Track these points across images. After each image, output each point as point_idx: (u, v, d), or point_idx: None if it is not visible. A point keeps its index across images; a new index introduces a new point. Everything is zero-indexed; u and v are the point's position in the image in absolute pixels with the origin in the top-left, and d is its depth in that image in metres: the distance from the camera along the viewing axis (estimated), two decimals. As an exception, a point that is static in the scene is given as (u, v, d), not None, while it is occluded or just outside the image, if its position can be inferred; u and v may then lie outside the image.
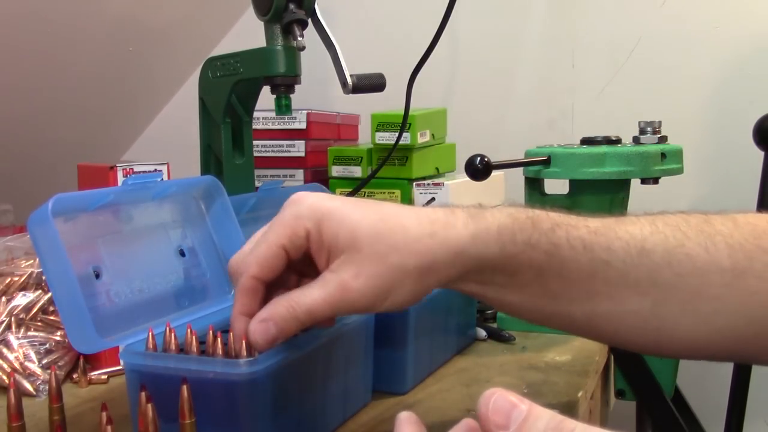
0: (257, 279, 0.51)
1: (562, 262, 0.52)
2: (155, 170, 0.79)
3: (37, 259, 0.79)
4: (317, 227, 0.51)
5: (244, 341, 0.51)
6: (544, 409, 0.32)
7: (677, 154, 0.89)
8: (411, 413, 0.36)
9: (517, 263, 0.52)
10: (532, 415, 0.31)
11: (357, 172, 1.16)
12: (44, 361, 0.72)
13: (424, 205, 1.08)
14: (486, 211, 0.53)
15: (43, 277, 0.78)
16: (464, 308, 0.83)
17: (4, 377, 0.70)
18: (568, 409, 0.65)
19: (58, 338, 0.74)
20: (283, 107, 0.89)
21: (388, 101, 1.06)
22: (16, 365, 0.71)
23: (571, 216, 0.54)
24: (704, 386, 1.11)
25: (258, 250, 0.51)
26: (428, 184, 1.07)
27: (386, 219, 0.51)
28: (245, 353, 0.52)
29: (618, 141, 0.89)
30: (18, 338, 0.73)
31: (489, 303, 0.57)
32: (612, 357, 0.88)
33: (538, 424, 0.31)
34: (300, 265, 0.53)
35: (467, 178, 0.87)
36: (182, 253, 0.70)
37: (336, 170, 1.17)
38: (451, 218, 0.52)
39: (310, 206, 0.51)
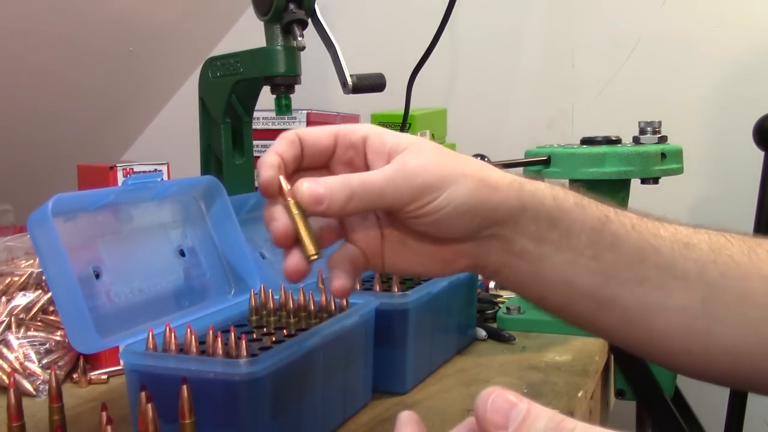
0: (299, 135, 0.50)
1: (614, 234, 0.51)
2: (155, 170, 0.79)
3: (37, 259, 0.79)
4: (379, 133, 0.51)
5: (267, 185, 0.47)
6: (543, 408, 0.31)
7: (677, 154, 0.89)
8: (412, 413, 0.36)
9: (571, 220, 0.51)
10: (531, 415, 0.30)
11: (357, 172, 1.15)
12: (44, 361, 0.72)
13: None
14: (532, 182, 0.52)
15: (43, 277, 0.78)
16: (464, 308, 0.83)
17: (4, 377, 0.70)
18: (568, 409, 0.65)
19: (58, 338, 0.74)
20: (283, 107, 0.89)
21: (388, 101, 1.06)
22: (16, 365, 0.71)
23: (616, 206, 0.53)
24: (704, 386, 1.11)
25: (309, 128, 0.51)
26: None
27: (446, 152, 0.51)
28: (245, 353, 0.52)
29: (618, 141, 0.89)
30: (18, 338, 0.73)
31: (544, 280, 0.52)
32: (612, 357, 0.88)
33: (538, 424, 0.30)
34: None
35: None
36: (182, 253, 0.70)
37: (336, 170, 1.17)
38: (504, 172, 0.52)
39: (369, 126, 0.52)
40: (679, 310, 0.51)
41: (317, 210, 0.47)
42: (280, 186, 0.47)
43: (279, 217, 0.48)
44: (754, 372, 0.53)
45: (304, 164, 0.51)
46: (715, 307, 0.51)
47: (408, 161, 0.48)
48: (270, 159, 0.48)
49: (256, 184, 0.96)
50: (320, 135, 0.51)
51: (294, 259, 0.47)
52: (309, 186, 0.46)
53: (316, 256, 0.47)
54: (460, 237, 0.51)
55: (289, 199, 0.47)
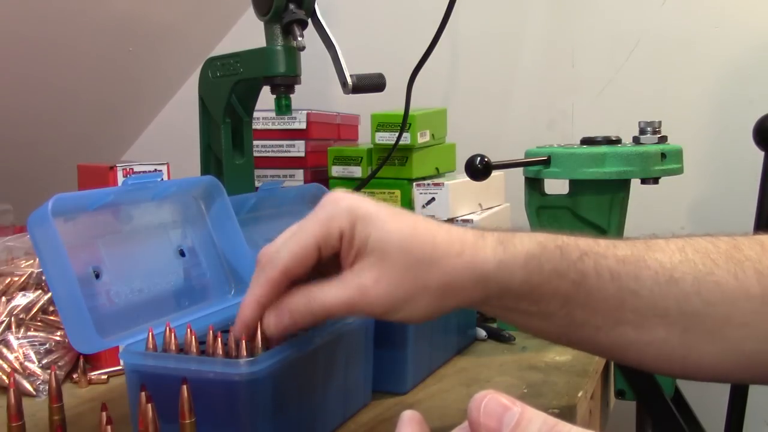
0: (286, 274, 0.52)
1: (588, 292, 0.52)
2: (155, 170, 0.79)
3: (37, 259, 0.79)
4: (351, 228, 0.51)
5: (243, 329, 0.53)
6: (537, 412, 0.31)
7: (677, 154, 0.89)
8: (414, 412, 0.36)
9: (541, 292, 0.52)
10: (525, 418, 0.30)
11: (357, 172, 1.15)
12: (44, 361, 0.72)
13: (424, 206, 1.09)
14: (515, 237, 0.53)
15: (43, 277, 0.78)
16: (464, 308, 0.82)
17: (4, 377, 0.70)
18: (568, 409, 0.65)
19: (58, 338, 0.74)
20: (283, 107, 0.89)
21: (388, 101, 1.06)
22: (16, 365, 0.71)
23: (600, 242, 0.53)
24: (704, 386, 1.11)
25: (292, 246, 0.52)
26: (428, 184, 1.07)
27: (418, 232, 0.51)
28: (245, 353, 0.52)
29: (618, 141, 0.89)
30: (18, 338, 0.73)
31: (514, 326, 0.57)
32: (612, 357, 0.88)
33: (531, 427, 0.30)
34: (324, 263, 0.54)
35: (467, 178, 0.87)
36: (182, 253, 0.70)
37: (336, 170, 1.17)
38: (480, 242, 0.52)
39: (347, 207, 0.52)
40: (655, 343, 0.52)
41: (285, 333, 0.53)
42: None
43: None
44: (739, 381, 0.55)
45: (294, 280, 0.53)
46: (695, 335, 0.52)
47: (366, 286, 0.50)
48: (247, 316, 0.53)
49: (257, 184, 0.96)
50: (305, 258, 0.52)
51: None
52: (274, 317, 0.52)
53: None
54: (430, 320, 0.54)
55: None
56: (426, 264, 0.50)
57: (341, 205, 0.52)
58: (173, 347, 0.55)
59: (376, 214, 0.52)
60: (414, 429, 0.35)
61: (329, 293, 0.51)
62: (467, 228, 0.55)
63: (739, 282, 0.51)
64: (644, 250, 0.53)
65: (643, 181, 0.87)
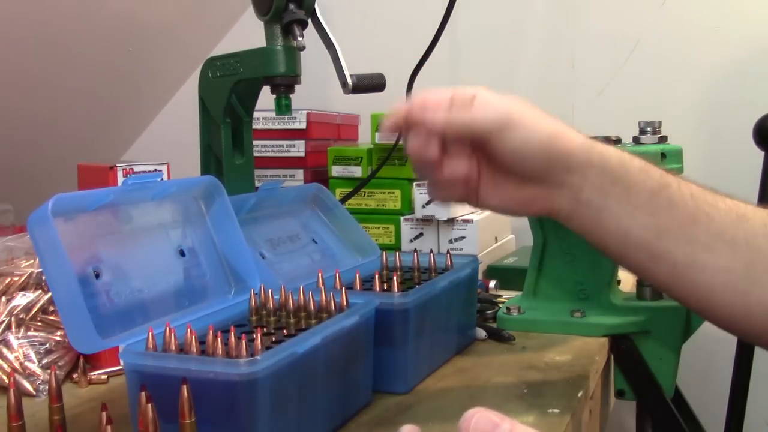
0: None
1: (671, 197, 0.59)
2: (155, 170, 0.79)
3: (37, 259, 0.79)
4: (483, 97, 0.65)
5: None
6: (526, 428, 0.31)
7: (677, 154, 0.89)
8: (414, 427, 0.35)
9: (633, 180, 0.59)
10: None
11: (357, 172, 1.16)
12: (44, 361, 0.72)
13: (424, 206, 1.08)
14: None
15: (43, 277, 0.78)
16: (464, 308, 0.83)
17: (4, 377, 0.70)
18: (569, 409, 0.65)
19: (58, 338, 0.74)
20: (283, 107, 0.89)
21: (388, 101, 1.06)
22: (16, 365, 0.71)
23: (684, 177, 0.61)
24: (704, 386, 1.12)
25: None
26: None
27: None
28: (245, 353, 0.52)
29: (618, 141, 0.89)
30: (18, 338, 0.73)
31: (603, 228, 0.61)
32: (612, 357, 0.88)
33: None
34: None
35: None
36: (182, 253, 0.70)
37: (336, 170, 1.17)
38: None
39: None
40: (722, 270, 0.58)
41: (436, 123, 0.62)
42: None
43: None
44: None
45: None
46: (757, 272, 0.57)
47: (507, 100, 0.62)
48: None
49: (257, 184, 0.96)
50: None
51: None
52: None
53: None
54: (537, 175, 0.61)
55: None
56: (543, 116, 0.61)
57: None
58: (173, 347, 0.55)
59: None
60: None
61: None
62: None
63: None
64: (722, 193, 0.61)
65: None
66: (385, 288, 0.74)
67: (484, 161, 0.63)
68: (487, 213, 1.12)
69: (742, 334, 0.62)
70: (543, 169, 0.60)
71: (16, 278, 0.79)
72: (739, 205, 0.59)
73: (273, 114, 1.13)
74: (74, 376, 0.73)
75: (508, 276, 1.07)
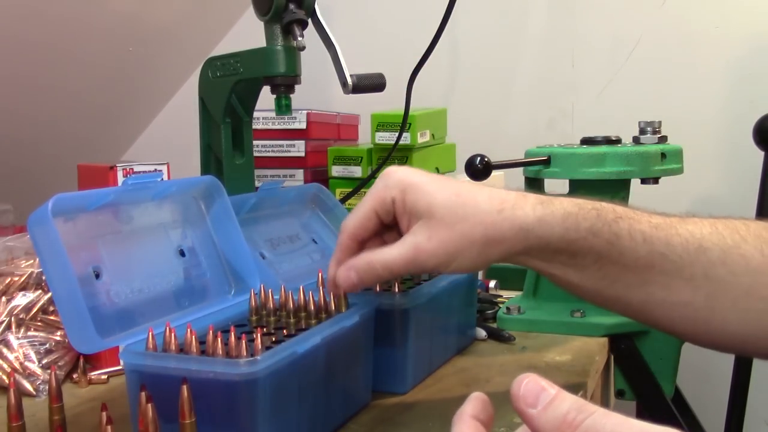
0: (352, 237, 0.62)
1: (621, 251, 0.57)
2: (155, 170, 0.79)
3: (37, 259, 0.79)
4: (402, 196, 0.60)
5: (329, 284, 0.63)
6: (569, 394, 0.34)
7: (677, 154, 0.89)
8: (482, 394, 0.38)
9: (577, 247, 0.58)
10: (558, 398, 0.34)
11: (357, 172, 1.16)
12: (44, 361, 0.72)
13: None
14: (555, 199, 0.59)
15: (43, 277, 0.78)
16: (464, 308, 0.83)
17: (4, 377, 0.70)
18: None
19: (58, 338, 0.74)
20: (283, 107, 0.89)
21: (388, 101, 1.06)
22: (16, 365, 0.71)
23: (636, 210, 0.59)
24: (704, 386, 1.12)
25: (354, 214, 0.62)
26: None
27: (461, 194, 0.59)
28: (245, 353, 0.52)
29: (618, 141, 0.89)
30: (18, 338, 0.73)
31: (552, 280, 0.62)
32: (612, 357, 0.88)
33: (563, 405, 0.34)
34: (386, 234, 0.64)
35: (467, 178, 0.86)
36: (182, 253, 0.70)
37: (336, 170, 1.17)
38: (521, 201, 0.58)
39: (398, 179, 0.61)
40: (680, 305, 0.57)
41: (356, 290, 0.63)
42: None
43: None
44: (759, 351, 0.58)
45: (365, 243, 0.63)
46: (719, 302, 0.56)
47: (420, 244, 0.58)
48: (330, 274, 0.63)
49: (257, 184, 0.96)
50: (367, 222, 0.62)
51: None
52: (344, 278, 0.61)
53: None
54: (479, 270, 0.65)
55: None
56: (470, 221, 0.57)
57: (393, 177, 0.61)
58: (173, 347, 0.55)
59: (422, 182, 0.60)
60: (475, 406, 0.37)
61: (389, 252, 0.59)
62: (509, 190, 0.61)
63: (764, 258, 0.55)
64: (677, 221, 0.58)
65: (643, 181, 0.87)
66: (385, 288, 0.74)
67: None
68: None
69: (709, 348, 0.62)
70: (481, 268, 0.63)
71: (16, 278, 0.79)
72: (694, 232, 0.57)
73: (273, 114, 1.13)
74: (74, 376, 0.73)
75: (508, 276, 1.07)
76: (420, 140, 1.12)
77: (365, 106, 1.20)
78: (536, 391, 0.35)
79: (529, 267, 0.62)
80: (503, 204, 0.58)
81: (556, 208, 0.58)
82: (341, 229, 0.63)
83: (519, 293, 0.96)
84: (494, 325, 0.89)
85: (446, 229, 0.57)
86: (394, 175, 0.61)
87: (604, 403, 0.92)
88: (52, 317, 0.76)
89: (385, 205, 0.61)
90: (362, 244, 0.63)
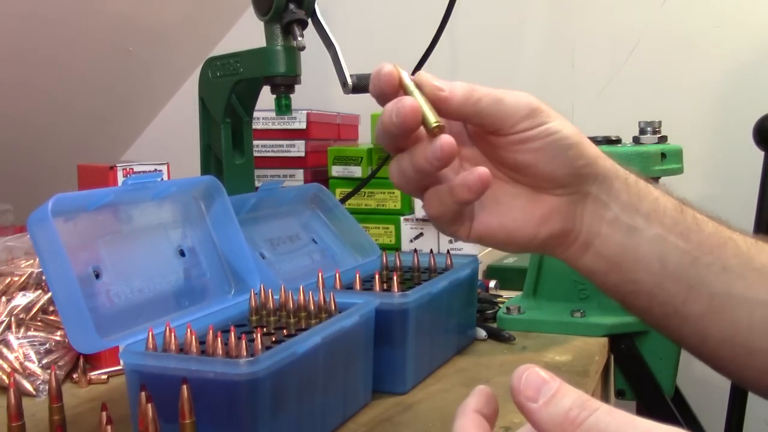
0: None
1: (694, 217, 0.53)
2: (155, 170, 0.79)
3: (37, 259, 0.79)
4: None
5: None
6: (572, 388, 0.33)
7: (677, 154, 0.89)
8: (486, 387, 0.36)
9: (655, 196, 0.53)
10: (560, 392, 0.33)
11: (357, 172, 1.15)
12: (44, 361, 0.72)
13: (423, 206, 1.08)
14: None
15: (43, 277, 0.78)
16: (464, 308, 0.83)
17: (4, 377, 0.70)
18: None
19: (58, 338, 0.74)
20: (283, 107, 0.89)
21: (388, 101, 1.06)
22: (16, 365, 0.71)
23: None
24: (704, 386, 1.12)
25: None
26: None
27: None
28: (245, 353, 0.52)
29: (618, 141, 0.89)
30: (18, 338, 0.73)
31: (637, 255, 0.53)
32: (612, 357, 0.88)
33: (565, 400, 0.33)
34: None
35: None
36: (182, 253, 0.70)
37: (336, 170, 1.17)
38: None
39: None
40: (761, 304, 0.52)
41: (439, 95, 0.48)
42: (401, 78, 0.49)
43: (405, 98, 0.48)
44: None
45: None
46: None
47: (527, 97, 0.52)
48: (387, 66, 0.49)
49: (257, 184, 0.96)
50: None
51: (445, 138, 0.48)
52: (430, 75, 0.49)
53: (438, 123, 0.48)
54: (561, 180, 0.51)
55: (411, 84, 0.49)
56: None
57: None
58: (173, 347, 0.55)
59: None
60: (479, 400, 0.35)
61: None
62: None
63: None
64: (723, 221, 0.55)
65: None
66: (385, 288, 0.74)
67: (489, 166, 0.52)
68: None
69: None
70: (570, 173, 0.51)
71: (16, 278, 0.79)
72: (746, 232, 0.54)
73: (273, 114, 1.13)
74: (74, 376, 0.73)
75: (508, 276, 1.07)
76: (420, 140, 1.12)
77: (365, 106, 1.19)
78: (537, 383, 0.33)
79: (610, 228, 0.52)
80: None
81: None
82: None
83: (519, 293, 0.96)
84: (494, 325, 0.89)
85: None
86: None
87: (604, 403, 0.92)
88: (52, 317, 0.76)
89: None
90: None
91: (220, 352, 0.53)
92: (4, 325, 0.74)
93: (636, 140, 0.89)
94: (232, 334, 0.54)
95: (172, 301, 0.66)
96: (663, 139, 0.88)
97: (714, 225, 0.53)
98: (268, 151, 1.21)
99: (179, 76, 1.61)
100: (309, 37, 0.86)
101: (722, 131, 1.33)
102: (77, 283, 0.56)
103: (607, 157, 0.53)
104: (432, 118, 0.48)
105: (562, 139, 0.50)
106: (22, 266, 0.81)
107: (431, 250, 0.83)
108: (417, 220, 1.10)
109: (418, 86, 0.49)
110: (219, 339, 0.54)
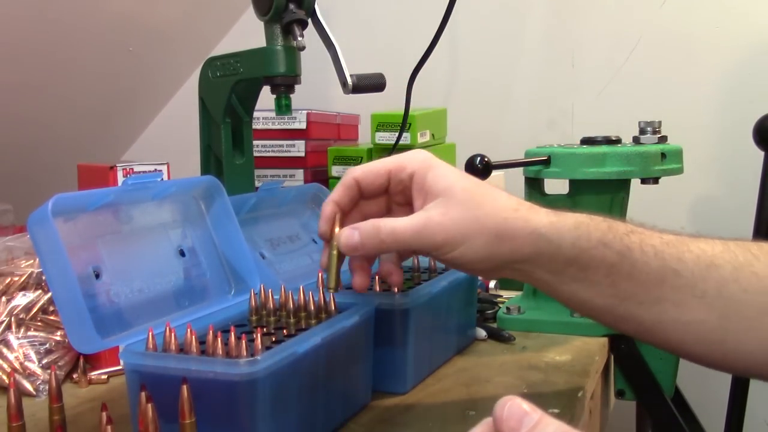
0: (357, 180, 0.61)
1: (633, 264, 0.56)
2: (155, 170, 0.79)
3: (37, 259, 0.79)
4: (423, 171, 0.59)
5: (323, 223, 0.62)
6: (552, 419, 0.34)
7: (677, 154, 0.89)
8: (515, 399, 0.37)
9: (589, 257, 0.56)
10: (542, 422, 0.34)
11: (357, 172, 1.15)
12: (44, 361, 0.72)
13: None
14: (566, 212, 0.59)
15: (43, 277, 0.78)
16: (464, 308, 0.83)
17: (4, 377, 0.70)
18: (568, 409, 0.65)
19: (58, 338, 0.74)
20: (283, 107, 0.89)
21: (388, 101, 1.06)
22: (16, 365, 0.71)
23: (647, 227, 0.58)
24: (704, 386, 1.12)
25: (367, 164, 0.62)
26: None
27: (481, 185, 0.59)
28: (245, 353, 0.52)
29: (618, 141, 0.89)
30: (18, 338, 0.73)
31: (561, 299, 0.60)
32: (612, 357, 0.88)
33: (548, 429, 0.34)
34: (391, 207, 0.64)
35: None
36: (182, 253, 0.70)
37: (336, 170, 1.17)
38: (534, 207, 0.59)
39: (423, 158, 0.61)
40: (694, 324, 0.56)
41: (355, 254, 0.60)
42: (332, 234, 0.61)
43: (323, 255, 0.63)
44: None
45: (364, 196, 0.63)
46: (732, 321, 0.55)
47: (432, 217, 0.57)
48: (327, 211, 0.61)
49: (257, 184, 0.96)
50: (376, 176, 0.62)
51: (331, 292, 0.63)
52: (346, 236, 0.59)
53: (332, 290, 0.63)
54: (484, 272, 0.62)
55: (334, 243, 0.61)
56: (486, 209, 0.57)
57: (419, 156, 0.61)
58: (173, 347, 0.55)
59: (446, 167, 0.60)
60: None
61: (398, 220, 0.58)
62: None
63: None
64: (688, 239, 0.57)
65: (643, 181, 0.87)
66: (385, 288, 0.74)
67: None
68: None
69: (723, 371, 0.60)
70: (487, 267, 0.59)
71: (16, 278, 0.79)
72: (706, 249, 0.56)
73: (273, 114, 1.13)
74: (74, 376, 0.73)
75: (508, 276, 1.07)
76: (420, 140, 1.12)
77: (365, 106, 1.20)
78: (519, 415, 0.34)
79: (535, 283, 0.59)
80: (519, 205, 0.58)
81: (567, 217, 0.57)
82: (347, 172, 0.62)
83: (519, 293, 0.96)
84: (494, 325, 0.89)
85: (462, 209, 0.56)
86: (420, 155, 0.61)
87: (604, 403, 0.92)
88: (52, 317, 0.76)
89: (401, 174, 0.60)
90: (360, 195, 0.62)
91: (220, 352, 0.53)
92: (4, 325, 0.74)
93: (636, 140, 0.89)
94: (232, 334, 0.54)
95: (172, 301, 0.66)
96: (663, 139, 0.88)
97: (658, 264, 0.55)
98: (268, 151, 1.21)
99: (179, 76, 1.61)
100: (309, 37, 0.86)
101: (722, 131, 1.33)
102: (77, 283, 0.56)
103: (536, 236, 0.57)
104: (330, 282, 0.62)
105: (470, 259, 0.57)
106: (22, 266, 0.81)
107: (431, 250, 0.82)
108: (417, 220, 1.10)
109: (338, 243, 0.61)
110: (219, 339, 0.54)
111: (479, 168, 0.83)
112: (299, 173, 1.20)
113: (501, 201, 0.58)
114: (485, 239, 0.56)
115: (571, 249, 0.56)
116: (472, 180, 0.59)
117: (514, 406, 0.35)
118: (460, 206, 0.57)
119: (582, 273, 0.57)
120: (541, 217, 0.57)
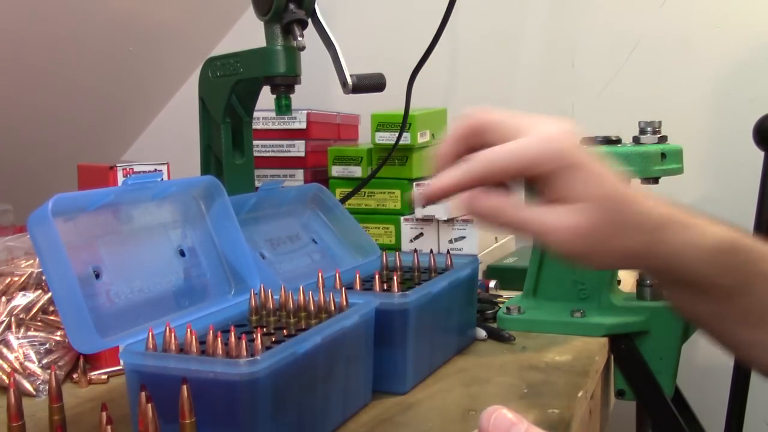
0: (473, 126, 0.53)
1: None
2: (155, 170, 0.79)
3: (37, 259, 0.79)
4: (567, 171, 0.52)
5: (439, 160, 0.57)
6: (539, 430, 0.34)
7: (677, 154, 0.89)
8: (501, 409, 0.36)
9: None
10: None
11: (357, 172, 1.15)
12: (44, 361, 0.72)
13: (424, 206, 1.08)
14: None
15: (43, 277, 0.78)
16: (464, 308, 0.83)
17: (4, 377, 0.70)
18: (568, 409, 0.65)
19: (58, 338, 0.74)
20: (283, 107, 0.89)
21: (388, 101, 1.06)
22: (16, 365, 0.71)
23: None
24: (704, 386, 1.12)
25: (508, 146, 0.52)
26: (428, 184, 1.07)
27: (633, 196, 0.54)
28: (245, 353, 0.52)
29: (618, 141, 0.89)
30: (18, 338, 0.73)
31: (723, 338, 0.56)
32: (612, 357, 0.88)
33: None
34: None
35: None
36: (182, 253, 0.70)
37: (336, 170, 1.17)
38: (692, 219, 0.55)
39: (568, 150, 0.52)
40: None
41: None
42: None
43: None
44: None
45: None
46: None
47: (580, 228, 0.52)
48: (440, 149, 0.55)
49: (257, 184, 0.96)
50: (509, 163, 0.54)
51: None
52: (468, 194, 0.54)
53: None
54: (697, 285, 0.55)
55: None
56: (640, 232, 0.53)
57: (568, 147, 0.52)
58: (173, 347, 0.55)
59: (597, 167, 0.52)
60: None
61: (542, 214, 0.53)
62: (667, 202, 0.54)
63: None
64: None
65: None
66: (385, 288, 0.74)
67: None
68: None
69: None
70: (711, 277, 0.53)
71: (16, 278, 0.79)
72: None
73: (273, 114, 1.13)
74: (74, 376, 0.73)
75: (508, 276, 1.07)
76: (420, 140, 1.12)
77: (365, 106, 1.20)
78: (506, 425, 0.34)
79: (680, 294, 0.56)
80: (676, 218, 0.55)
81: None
82: (474, 157, 0.54)
83: (519, 293, 0.96)
84: (494, 325, 0.89)
85: (611, 231, 0.52)
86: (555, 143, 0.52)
87: (604, 403, 0.92)
88: (52, 317, 0.76)
89: (537, 169, 0.53)
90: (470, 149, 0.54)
91: (220, 352, 0.53)
92: (4, 325, 0.74)
93: (636, 140, 0.89)
94: (232, 334, 0.54)
95: (172, 301, 0.67)
96: (663, 139, 0.88)
97: None
98: (268, 151, 1.21)
99: (179, 76, 1.61)
100: (309, 37, 0.86)
101: (722, 131, 1.33)
102: (77, 283, 0.56)
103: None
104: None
105: (692, 255, 0.53)
106: (22, 266, 0.81)
107: (431, 250, 0.83)
108: (417, 220, 1.10)
109: None
110: (219, 339, 0.54)
111: (479, 168, 0.83)
112: (299, 173, 1.20)
113: (655, 217, 0.56)
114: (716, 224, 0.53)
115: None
116: (620, 185, 0.55)
117: (500, 417, 0.34)
118: (610, 228, 0.53)
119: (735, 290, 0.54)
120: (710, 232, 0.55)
